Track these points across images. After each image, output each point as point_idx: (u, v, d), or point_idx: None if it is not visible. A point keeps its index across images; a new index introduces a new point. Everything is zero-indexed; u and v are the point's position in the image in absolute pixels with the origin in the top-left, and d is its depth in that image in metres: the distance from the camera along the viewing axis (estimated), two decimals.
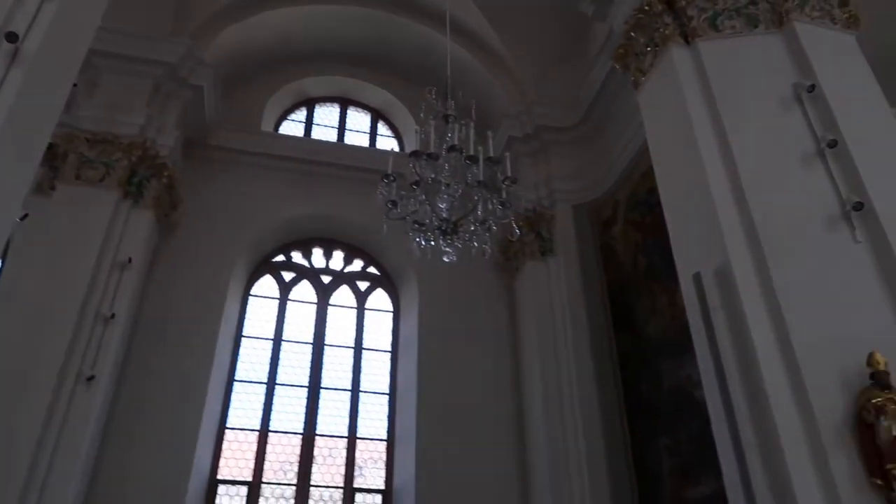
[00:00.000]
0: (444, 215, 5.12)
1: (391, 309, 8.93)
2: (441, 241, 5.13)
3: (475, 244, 5.18)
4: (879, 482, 3.31)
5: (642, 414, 6.46)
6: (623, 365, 6.98)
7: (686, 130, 5.00)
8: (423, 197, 5.08)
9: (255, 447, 7.49)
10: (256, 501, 7.16)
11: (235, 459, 7.40)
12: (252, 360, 8.05)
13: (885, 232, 4.15)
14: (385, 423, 8.03)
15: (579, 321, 7.47)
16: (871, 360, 3.59)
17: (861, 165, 4.43)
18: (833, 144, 4.55)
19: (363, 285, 9.02)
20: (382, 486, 7.62)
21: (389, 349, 8.59)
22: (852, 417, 3.53)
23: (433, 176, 5.09)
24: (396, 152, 7.66)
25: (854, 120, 4.68)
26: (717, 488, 4.10)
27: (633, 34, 5.83)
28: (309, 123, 10.09)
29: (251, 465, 7.38)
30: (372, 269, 9.13)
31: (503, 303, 8.66)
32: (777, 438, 3.65)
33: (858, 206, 4.26)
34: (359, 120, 10.39)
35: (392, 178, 5.11)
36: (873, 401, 3.45)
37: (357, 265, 9.14)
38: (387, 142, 10.28)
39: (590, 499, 6.38)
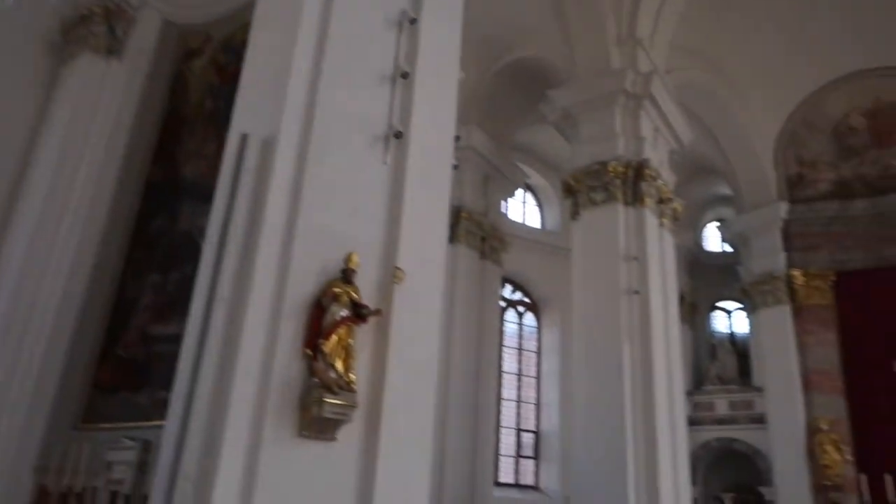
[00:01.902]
0: None
1: None
2: None
3: None
4: (309, 352, 3.94)
5: (145, 247, 6.40)
6: (147, 195, 6.77)
7: (295, 13, 4.97)
8: None
9: None
10: None
11: None
12: None
13: (407, 162, 4.85)
14: None
15: (119, 135, 6.93)
16: (348, 258, 4.21)
17: (418, 100, 5.09)
18: (405, 76, 5.11)
19: None
20: None
21: None
22: (313, 298, 4.10)
23: None
24: None
25: (431, 58, 5.34)
26: (181, 331, 4.33)
27: None
28: None
29: None
30: None
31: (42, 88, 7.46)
32: (248, 298, 4.01)
33: (399, 135, 4.89)
34: None
35: None
36: (334, 289, 4.06)
37: None
38: None
39: (54, 311, 6.07)
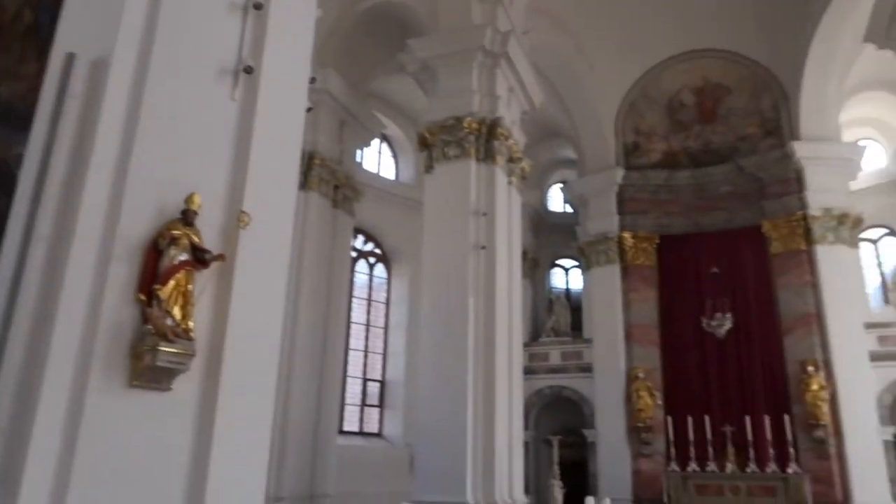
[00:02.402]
0: None
1: None
2: None
3: None
4: (143, 297, 3.66)
5: None
6: None
7: None
8: None
9: None
10: None
11: None
12: None
13: (257, 99, 4.59)
14: None
15: None
16: (189, 199, 3.93)
17: (271, 34, 4.78)
18: (259, 7, 4.77)
19: None
20: None
21: None
22: (149, 240, 3.79)
23: None
24: None
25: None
26: None
27: None
28: None
29: None
30: None
31: None
32: (72, 237, 3.63)
33: (249, 70, 4.59)
34: None
35: None
36: (173, 231, 3.78)
37: None
38: None
39: None
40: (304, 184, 12.48)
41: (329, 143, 13.41)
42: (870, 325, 14.81)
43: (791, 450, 13.81)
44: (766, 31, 15.98)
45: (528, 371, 15.64)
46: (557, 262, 20.43)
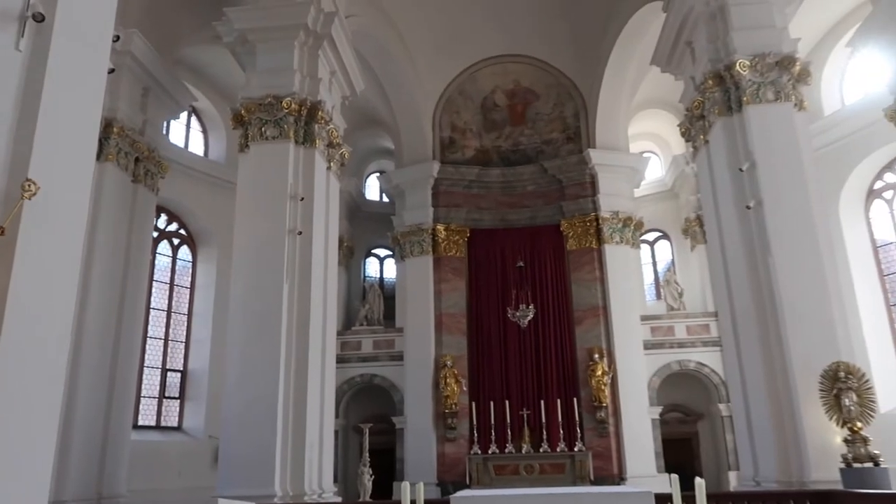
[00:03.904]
0: None
1: None
2: None
3: None
4: None
5: None
6: None
7: None
8: None
9: None
10: None
11: None
12: None
13: (49, 52, 4.04)
14: None
15: None
16: None
17: None
18: None
19: None
20: None
21: None
22: None
23: None
24: None
25: None
26: None
27: None
28: None
29: None
30: None
31: None
32: None
33: (39, 17, 4.03)
34: None
35: None
36: None
37: None
38: None
39: None
40: (101, 154, 11.30)
41: (130, 111, 12.25)
42: (644, 318, 16.70)
43: (578, 430, 15.19)
44: (574, 45, 17.31)
45: (341, 359, 15.58)
46: (373, 251, 20.55)
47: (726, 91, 10.73)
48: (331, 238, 11.90)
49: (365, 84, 14.30)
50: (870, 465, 8.08)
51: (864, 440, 8.27)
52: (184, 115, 16.41)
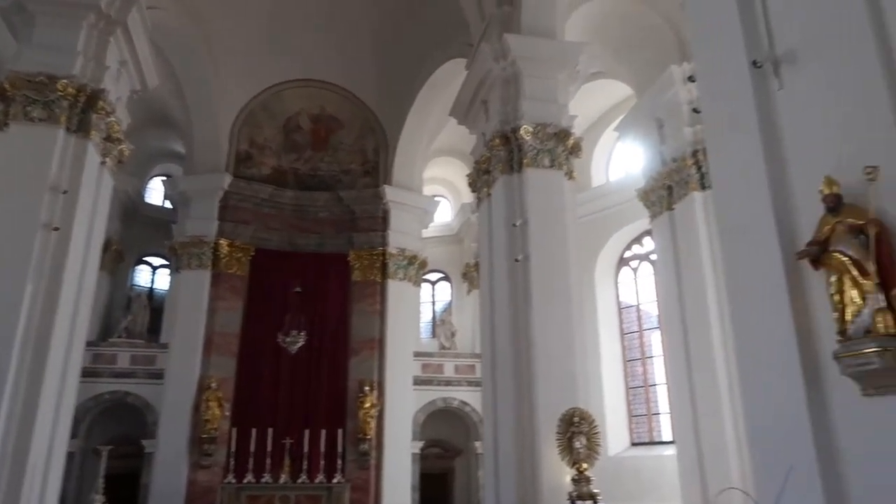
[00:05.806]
0: None
1: None
2: None
3: None
4: None
5: None
6: None
7: None
8: None
9: None
10: None
11: None
12: None
13: None
14: None
15: None
16: None
17: None
18: None
19: None
20: None
21: None
22: None
23: None
24: None
25: None
26: None
27: None
28: None
29: None
30: None
31: None
32: None
33: None
34: None
35: None
36: None
37: None
38: None
39: None
40: None
41: None
42: (417, 354, 17.32)
43: (339, 461, 15.16)
44: (384, 82, 17.78)
45: (90, 373, 14.11)
46: (146, 258, 19.00)
47: (510, 151, 11.64)
48: (95, 239, 10.85)
49: (161, 81, 13.42)
50: (590, 503, 9.11)
51: (588, 480, 9.30)
52: None
